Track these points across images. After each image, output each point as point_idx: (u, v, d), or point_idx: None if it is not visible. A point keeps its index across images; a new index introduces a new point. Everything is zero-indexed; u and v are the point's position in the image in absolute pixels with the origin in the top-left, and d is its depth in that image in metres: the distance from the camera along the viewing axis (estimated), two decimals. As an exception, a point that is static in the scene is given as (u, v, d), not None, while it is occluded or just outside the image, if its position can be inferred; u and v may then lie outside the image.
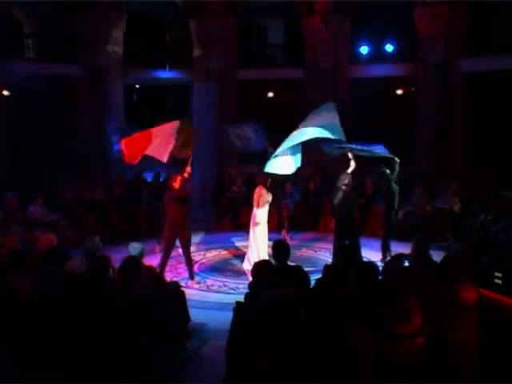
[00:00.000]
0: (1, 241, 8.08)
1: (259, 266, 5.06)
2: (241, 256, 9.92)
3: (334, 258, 8.32)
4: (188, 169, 8.36)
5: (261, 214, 8.68)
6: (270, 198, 8.68)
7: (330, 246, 9.30)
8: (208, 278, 8.71)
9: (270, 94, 17.49)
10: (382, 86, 15.67)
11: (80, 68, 14.99)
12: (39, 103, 13.67)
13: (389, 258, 8.14)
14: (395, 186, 9.09)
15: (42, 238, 8.45)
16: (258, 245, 8.60)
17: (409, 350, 4.09)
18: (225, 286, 8.33)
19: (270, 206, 8.85)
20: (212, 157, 16.23)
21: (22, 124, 14.55)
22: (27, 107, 13.84)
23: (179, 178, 8.20)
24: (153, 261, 8.30)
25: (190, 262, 8.37)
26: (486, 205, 10.62)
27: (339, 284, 4.75)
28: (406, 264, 5.30)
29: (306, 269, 5.24)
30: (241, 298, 5.15)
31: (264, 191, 8.62)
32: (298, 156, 8.59)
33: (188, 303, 6.44)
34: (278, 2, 15.55)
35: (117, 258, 5.77)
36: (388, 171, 9.03)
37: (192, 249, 10.62)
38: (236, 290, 7.99)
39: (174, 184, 8.18)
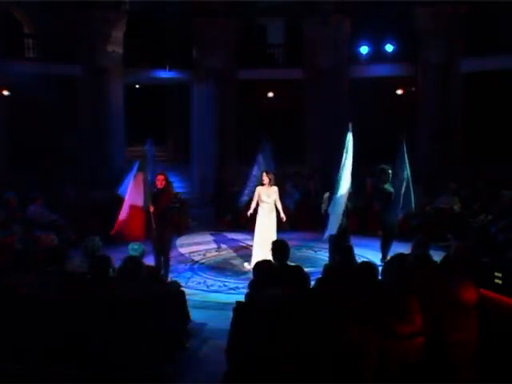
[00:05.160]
0: (1, 241, 8.07)
1: (259, 266, 5.06)
2: (241, 256, 9.93)
3: (330, 259, 8.32)
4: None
5: (261, 213, 8.85)
6: (267, 197, 8.76)
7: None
8: (208, 278, 8.72)
9: (270, 94, 17.49)
10: (382, 86, 15.66)
11: (80, 68, 14.97)
12: (39, 103, 13.65)
13: (389, 258, 8.13)
14: (389, 188, 9.07)
15: (42, 238, 8.45)
16: (260, 244, 8.67)
17: (409, 350, 4.09)
18: (225, 285, 8.33)
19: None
20: (212, 157, 16.25)
21: (22, 124, 14.54)
22: (27, 107, 13.83)
23: (161, 177, 8.16)
24: (153, 261, 8.29)
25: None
26: (486, 205, 10.62)
27: (339, 284, 4.75)
28: (406, 264, 5.29)
29: (305, 269, 5.24)
30: (241, 298, 5.15)
31: (260, 188, 8.84)
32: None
33: (188, 303, 6.45)
34: (278, 2, 15.56)
35: (117, 258, 5.77)
36: (390, 171, 9.01)
37: (192, 249, 10.69)
38: (236, 289, 7.99)
39: (157, 183, 8.14)
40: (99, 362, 4.17)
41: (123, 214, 8.26)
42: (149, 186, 8.13)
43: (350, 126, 7.85)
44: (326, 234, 7.87)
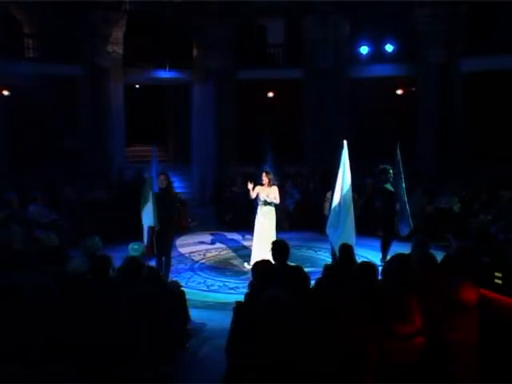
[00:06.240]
0: (1, 240, 8.05)
1: (258, 267, 5.05)
2: (241, 256, 9.93)
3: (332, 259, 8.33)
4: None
5: (261, 213, 8.88)
6: (267, 197, 8.78)
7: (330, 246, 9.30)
8: (208, 278, 8.72)
9: (270, 94, 17.49)
10: (381, 86, 15.66)
11: (80, 68, 14.97)
12: (39, 103, 13.66)
13: (389, 257, 8.11)
14: (390, 187, 9.07)
15: (42, 238, 8.44)
16: (260, 244, 8.69)
17: (409, 349, 4.09)
18: (225, 285, 8.33)
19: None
20: (212, 157, 16.26)
21: (22, 124, 14.54)
22: (27, 107, 13.84)
23: (162, 177, 8.19)
24: (153, 261, 8.29)
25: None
26: (486, 205, 10.62)
27: (339, 284, 4.75)
28: (406, 264, 5.28)
29: (305, 269, 5.24)
30: (241, 298, 5.16)
31: (260, 188, 8.86)
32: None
33: (188, 303, 6.45)
34: (278, 2, 15.56)
35: (117, 257, 5.77)
36: (391, 171, 9.00)
37: (192, 249, 10.69)
38: (236, 289, 7.99)
39: (159, 183, 8.17)
40: (99, 363, 4.17)
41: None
42: (154, 203, 8.02)
43: (345, 143, 7.63)
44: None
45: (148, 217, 7.75)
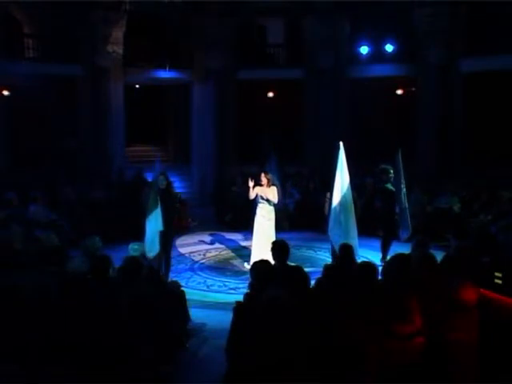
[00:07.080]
0: (1, 240, 8.05)
1: (257, 267, 5.05)
2: (241, 256, 9.93)
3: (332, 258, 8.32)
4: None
5: (260, 213, 8.87)
6: (265, 193, 8.78)
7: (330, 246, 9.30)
8: (208, 278, 8.72)
9: (270, 94, 17.49)
10: (382, 86, 15.66)
11: (80, 68, 14.96)
12: (39, 103, 13.65)
13: (389, 258, 8.11)
14: (390, 187, 9.07)
15: (43, 237, 8.44)
16: (260, 244, 8.69)
17: (409, 349, 4.09)
18: (225, 286, 8.33)
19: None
20: (212, 157, 16.26)
21: (22, 124, 14.54)
22: (27, 107, 13.83)
23: (161, 177, 8.19)
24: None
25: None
26: (486, 205, 10.62)
27: (339, 284, 4.75)
28: (406, 264, 5.28)
29: (306, 269, 5.24)
30: (241, 298, 5.16)
31: (258, 188, 8.86)
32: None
33: (188, 303, 6.45)
34: (278, 2, 15.56)
35: (117, 257, 5.77)
36: (391, 171, 9.00)
37: (192, 249, 10.70)
38: (236, 290, 7.99)
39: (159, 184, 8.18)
40: (99, 363, 4.17)
41: None
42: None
43: (341, 144, 7.60)
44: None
45: (156, 222, 7.65)
